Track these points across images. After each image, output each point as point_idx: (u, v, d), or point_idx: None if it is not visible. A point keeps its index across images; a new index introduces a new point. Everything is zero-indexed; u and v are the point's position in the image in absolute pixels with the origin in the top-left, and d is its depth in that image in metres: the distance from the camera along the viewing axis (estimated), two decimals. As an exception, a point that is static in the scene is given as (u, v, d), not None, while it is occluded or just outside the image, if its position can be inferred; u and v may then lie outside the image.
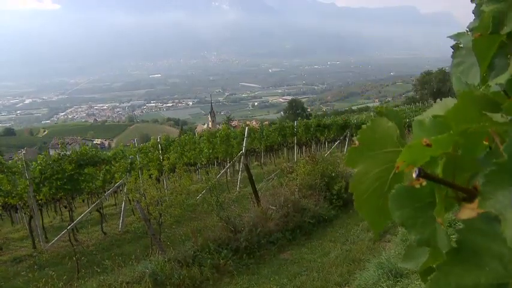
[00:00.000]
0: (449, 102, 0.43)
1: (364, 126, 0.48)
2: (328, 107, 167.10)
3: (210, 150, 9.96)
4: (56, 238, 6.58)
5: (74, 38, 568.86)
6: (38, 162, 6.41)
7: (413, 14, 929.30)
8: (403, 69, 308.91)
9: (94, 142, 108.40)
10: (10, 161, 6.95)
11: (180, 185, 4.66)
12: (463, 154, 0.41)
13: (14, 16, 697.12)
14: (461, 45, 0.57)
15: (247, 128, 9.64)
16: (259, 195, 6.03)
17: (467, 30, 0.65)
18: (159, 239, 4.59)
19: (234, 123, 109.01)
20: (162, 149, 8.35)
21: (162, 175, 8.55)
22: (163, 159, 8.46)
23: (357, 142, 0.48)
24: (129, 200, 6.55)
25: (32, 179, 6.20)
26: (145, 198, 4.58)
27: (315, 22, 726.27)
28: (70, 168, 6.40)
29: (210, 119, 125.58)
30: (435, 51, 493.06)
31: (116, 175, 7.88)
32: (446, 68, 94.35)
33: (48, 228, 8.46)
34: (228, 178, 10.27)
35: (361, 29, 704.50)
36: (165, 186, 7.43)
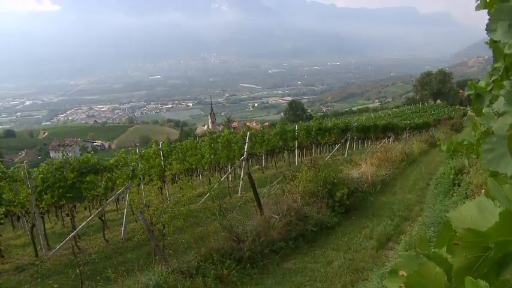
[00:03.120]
0: (485, 204, 0.45)
1: (411, 271, 0.49)
2: (328, 108, 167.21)
3: (212, 156, 9.96)
4: (58, 247, 6.56)
5: (74, 39, 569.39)
6: (40, 170, 6.40)
7: (412, 14, 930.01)
8: (402, 70, 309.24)
9: (94, 143, 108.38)
10: (12, 168, 6.92)
11: (182, 195, 4.65)
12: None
13: (14, 17, 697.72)
14: (493, 130, 0.57)
15: (248, 133, 9.63)
16: (261, 203, 6.02)
17: (496, 113, 0.63)
18: (163, 249, 4.58)
19: (234, 124, 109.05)
20: (163, 155, 8.35)
21: (164, 183, 8.53)
22: (165, 165, 8.45)
23: (403, 286, 0.49)
24: (132, 210, 6.54)
25: (34, 188, 6.20)
26: (148, 209, 4.57)
27: (314, 23, 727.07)
28: (72, 176, 6.38)
29: (210, 120, 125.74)
30: (435, 51, 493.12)
31: (117, 181, 7.87)
32: (446, 69, 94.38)
33: (49, 235, 8.43)
34: (230, 183, 10.26)
35: (361, 29, 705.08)
36: (168, 197, 7.42)
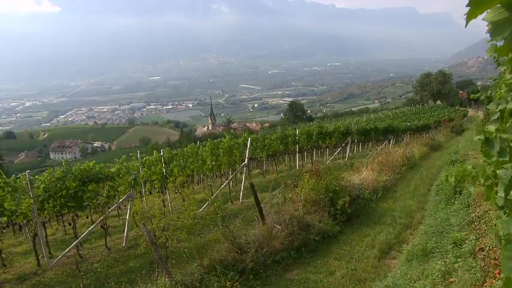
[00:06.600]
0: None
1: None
2: (328, 109, 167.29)
3: (213, 162, 9.97)
4: (60, 256, 6.56)
5: (74, 41, 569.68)
6: (42, 179, 6.40)
7: (412, 14, 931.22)
8: (402, 70, 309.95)
9: (94, 145, 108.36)
10: (13, 176, 6.92)
11: (186, 209, 4.66)
12: None
13: (13, 19, 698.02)
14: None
15: (249, 138, 9.64)
16: (263, 212, 6.02)
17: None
18: (166, 262, 4.58)
19: (234, 125, 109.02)
20: (165, 162, 8.36)
21: (166, 190, 8.53)
22: (166, 172, 8.46)
23: None
24: (135, 221, 6.53)
25: (36, 197, 6.20)
26: (151, 222, 4.58)
27: (314, 23, 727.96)
28: (74, 185, 6.39)
29: (210, 121, 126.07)
30: (434, 51, 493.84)
31: (119, 189, 7.87)
32: (446, 69, 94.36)
33: (51, 242, 8.42)
34: (231, 188, 10.27)
35: (361, 30, 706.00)
36: (170, 205, 7.41)
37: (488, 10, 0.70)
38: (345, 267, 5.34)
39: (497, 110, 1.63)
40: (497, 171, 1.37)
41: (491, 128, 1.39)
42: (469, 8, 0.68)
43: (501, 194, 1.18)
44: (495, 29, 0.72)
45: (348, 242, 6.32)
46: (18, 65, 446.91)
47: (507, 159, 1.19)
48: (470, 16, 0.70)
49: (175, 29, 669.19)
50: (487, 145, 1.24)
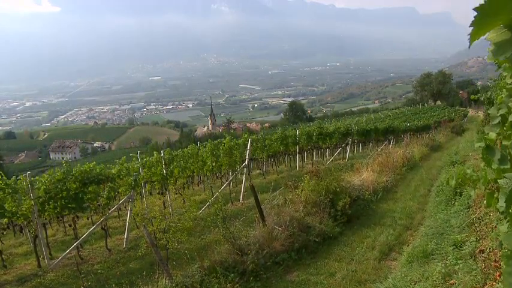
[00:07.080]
0: None
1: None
2: (328, 109, 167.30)
3: (214, 163, 9.99)
4: (61, 257, 6.56)
5: (74, 41, 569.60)
6: (43, 181, 6.41)
7: (412, 14, 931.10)
8: (402, 70, 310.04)
9: (94, 145, 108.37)
10: (13, 177, 6.92)
11: (186, 211, 4.66)
12: None
13: (13, 19, 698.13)
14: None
15: (250, 139, 9.65)
16: (264, 214, 6.03)
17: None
18: (166, 263, 4.59)
19: (234, 125, 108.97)
20: (165, 163, 8.38)
21: (166, 191, 8.53)
22: (167, 173, 8.47)
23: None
24: (136, 223, 6.54)
25: (36, 199, 6.21)
26: (152, 224, 4.58)
27: (314, 23, 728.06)
28: (74, 186, 6.40)
29: (210, 121, 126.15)
30: (434, 51, 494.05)
31: (120, 190, 7.88)
32: (446, 69, 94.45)
33: (51, 243, 8.42)
34: (232, 189, 10.27)
35: (361, 30, 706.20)
36: (170, 207, 7.42)
37: (491, 30, 0.71)
38: (346, 268, 5.35)
39: (498, 114, 1.63)
40: (498, 181, 1.38)
41: (492, 135, 1.40)
42: (472, 28, 0.69)
43: (502, 203, 1.17)
44: (498, 49, 0.74)
45: (348, 243, 6.33)
46: (18, 65, 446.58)
47: (508, 166, 1.18)
48: (473, 37, 0.71)
49: (175, 29, 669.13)
50: (487, 152, 1.25)
